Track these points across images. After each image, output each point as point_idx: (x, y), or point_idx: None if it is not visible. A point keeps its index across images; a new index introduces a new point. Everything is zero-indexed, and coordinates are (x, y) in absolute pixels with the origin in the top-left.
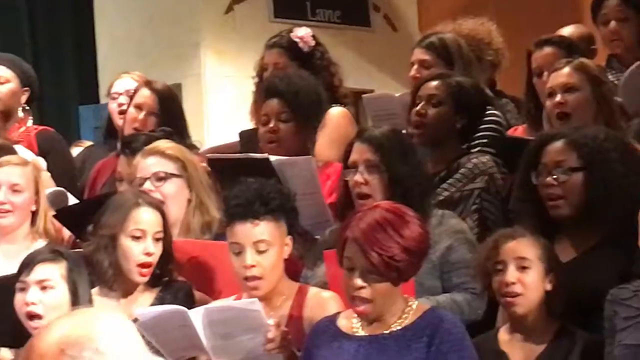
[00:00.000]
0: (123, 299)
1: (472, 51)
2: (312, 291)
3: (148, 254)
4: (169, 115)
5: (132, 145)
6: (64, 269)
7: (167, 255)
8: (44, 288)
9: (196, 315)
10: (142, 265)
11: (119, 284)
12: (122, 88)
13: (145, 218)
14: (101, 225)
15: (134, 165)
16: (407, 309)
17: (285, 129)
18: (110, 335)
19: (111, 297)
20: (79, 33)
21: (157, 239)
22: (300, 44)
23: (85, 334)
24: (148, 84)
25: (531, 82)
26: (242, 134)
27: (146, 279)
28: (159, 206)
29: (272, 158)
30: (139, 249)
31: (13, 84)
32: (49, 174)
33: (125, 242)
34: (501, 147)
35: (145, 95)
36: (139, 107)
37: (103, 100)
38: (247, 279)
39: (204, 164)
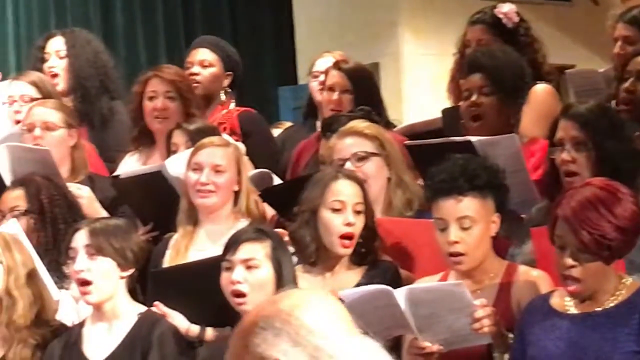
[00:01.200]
0: (328, 272)
1: None
2: (521, 269)
3: (349, 224)
4: (362, 93)
5: (333, 127)
6: (269, 248)
7: (371, 231)
8: (249, 267)
9: (400, 296)
10: (344, 237)
11: (322, 259)
12: (324, 66)
13: (344, 189)
14: (302, 201)
15: (330, 147)
16: (620, 286)
17: (488, 103)
18: (312, 308)
19: (314, 273)
20: (277, 15)
21: (358, 212)
22: (504, 20)
23: (281, 306)
24: (336, 64)
25: None
26: (445, 112)
27: (349, 250)
28: (358, 179)
29: (474, 139)
30: (339, 221)
31: (216, 68)
32: (246, 157)
33: (326, 214)
34: None
35: (334, 75)
36: (331, 89)
37: (302, 81)
38: (450, 255)
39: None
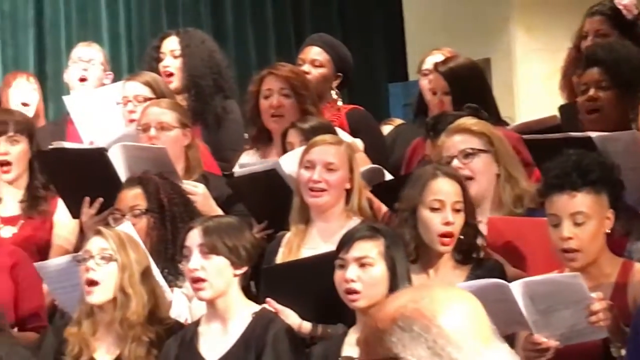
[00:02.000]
0: (431, 270)
1: None
2: (637, 267)
3: (447, 223)
4: (462, 93)
5: (437, 126)
6: (382, 246)
7: (472, 229)
8: (362, 265)
9: (516, 289)
10: (443, 235)
11: (422, 257)
12: (433, 64)
13: (443, 188)
14: (402, 199)
15: (438, 145)
16: None
17: (605, 97)
18: (453, 315)
19: (416, 271)
20: (386, 10)
21: (457, 210)
22: (624, 12)
23: (422, 308)
24: (435, 66)
25: None
26: (562, 108)
27: (448, 248)
28: (457, 177)
29: (594, 135)
30: (438, 219)
31: (326, 68)
32: (364, 155)
33: (425, 213)
34: None
35: (433, 78)
36: (433, 92)
37: (412, 77)
38: (564, 251)
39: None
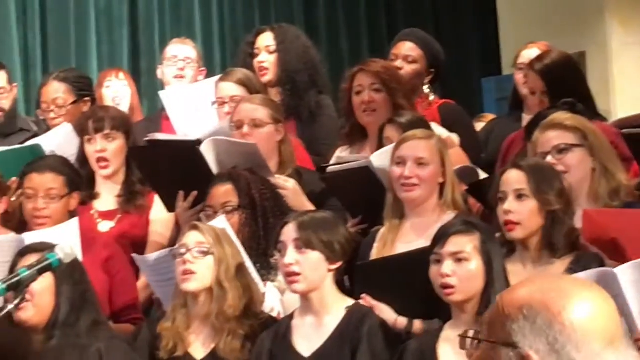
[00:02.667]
0: (528, 263)
1: None
2: None
3: (506, 212)
4: (561, 87)
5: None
6: (478, 241)
7: (557, 220)
8: (458, 260)
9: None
10: (506, 223)
11: (520, 250)
12: (528, 58)
13: (506, 179)
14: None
15: (533, 142)
16: None
17: None
18: (579, 312)
19: (512, 262)
20: (480, 4)
21: (520, 197)
22: None
23: (549, 301)
24: (530, 64)
25: None
26: None
27: (516, 234)
28: (522, 167)
29: None
30: (502, 210)
31: (419, 64)
32: (460, 150)
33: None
34: None
35: (530, 76)
36: (532, 92)
37: (506, 71)
38: None
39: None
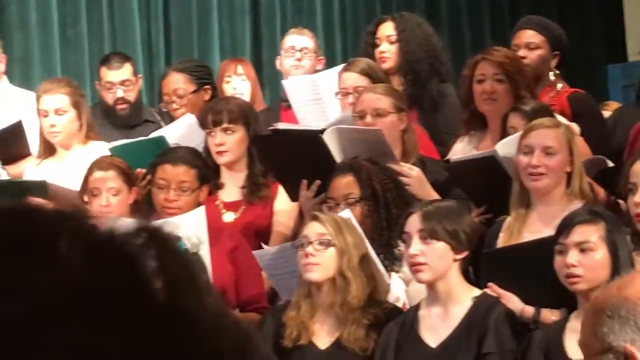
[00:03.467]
0: None
1: None
2: None
3: (636, 204)
4: None
5: None
6: (603, 230)
7: None
8: (583, 250)
9: None
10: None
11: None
12: None
13: (638, 170)
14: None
15: None
16: None
17: None
18: None
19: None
20: None
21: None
22: None
23: (626, 293)
24: None
25: None
26: None
27: None
28: None
29: None
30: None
31: (542, 49)
32: (581, 139)
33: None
34: None
35: None
36: None
37: (632, 58)
38: None
39: None
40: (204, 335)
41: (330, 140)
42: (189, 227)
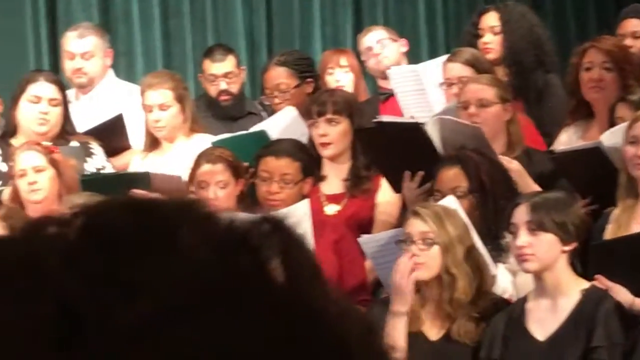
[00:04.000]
0: None
1: None
2: None
3: None
4: None
5: None
6: None
7: None
8: None
9: None
10: None
11: None
12: None
13: None
14: None
15: None
16: None
17: None
18: None
19: None
20: None
21: None
22: None
23: None
24: None
25: None
26: None
27: None
28: None
29: None
30: None
31: None
32: None
33: None
34: None
35: None
36: None
37: None
38: None
39: None
40: (330, 326)
41: (432, 130)
42: (294, 220)
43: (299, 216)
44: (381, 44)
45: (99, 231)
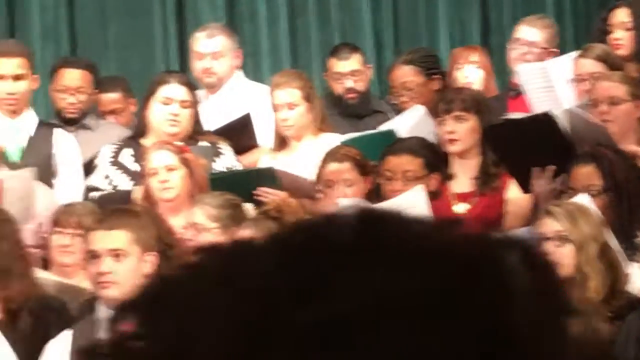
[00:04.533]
0: None
1: None
2: None
3: None
4: None
5: None
6: None
7: None
8: None
9: None
10: None
11: None
12: None
13: None
14: None
15: None
16: None
17: None
18: None
19: None
20: None
21: None
22: None
23: None
24: None
25: None
26: None
27: None
28: None
29: None
30: None
31: None
32: None
33: None
34: None
35: None
36: None
37: None
38: None
39: None
40: None
41: (563, 122)
42: (410, 206)
43: (414, 203)
44: (529, 46)
45: None
